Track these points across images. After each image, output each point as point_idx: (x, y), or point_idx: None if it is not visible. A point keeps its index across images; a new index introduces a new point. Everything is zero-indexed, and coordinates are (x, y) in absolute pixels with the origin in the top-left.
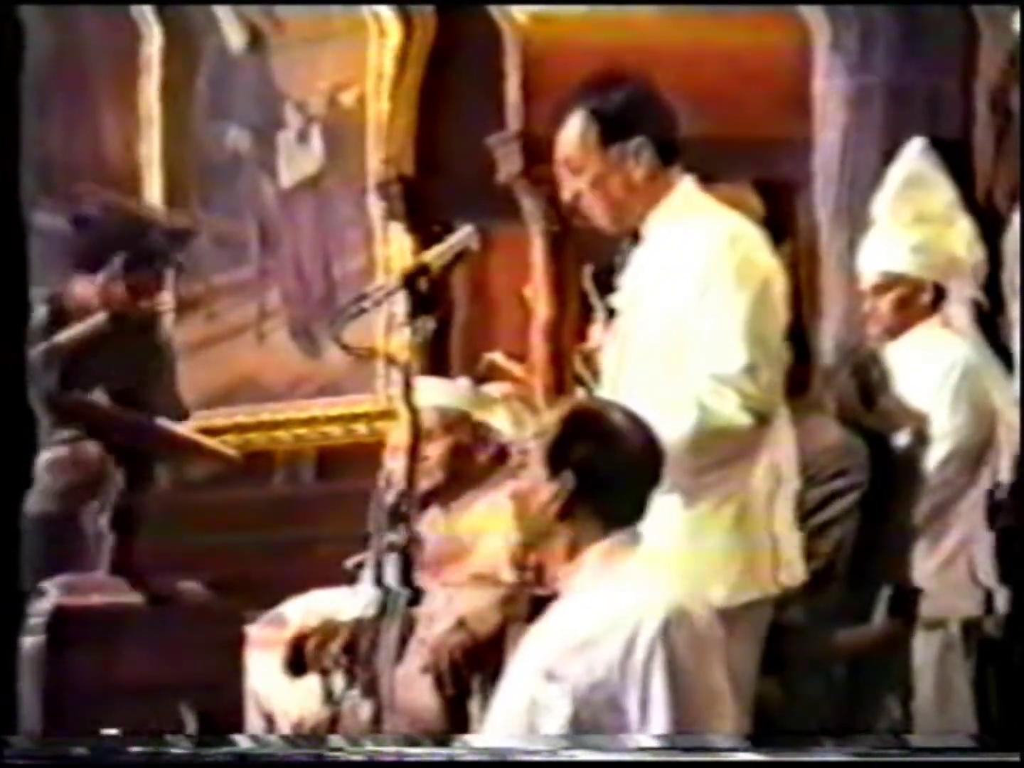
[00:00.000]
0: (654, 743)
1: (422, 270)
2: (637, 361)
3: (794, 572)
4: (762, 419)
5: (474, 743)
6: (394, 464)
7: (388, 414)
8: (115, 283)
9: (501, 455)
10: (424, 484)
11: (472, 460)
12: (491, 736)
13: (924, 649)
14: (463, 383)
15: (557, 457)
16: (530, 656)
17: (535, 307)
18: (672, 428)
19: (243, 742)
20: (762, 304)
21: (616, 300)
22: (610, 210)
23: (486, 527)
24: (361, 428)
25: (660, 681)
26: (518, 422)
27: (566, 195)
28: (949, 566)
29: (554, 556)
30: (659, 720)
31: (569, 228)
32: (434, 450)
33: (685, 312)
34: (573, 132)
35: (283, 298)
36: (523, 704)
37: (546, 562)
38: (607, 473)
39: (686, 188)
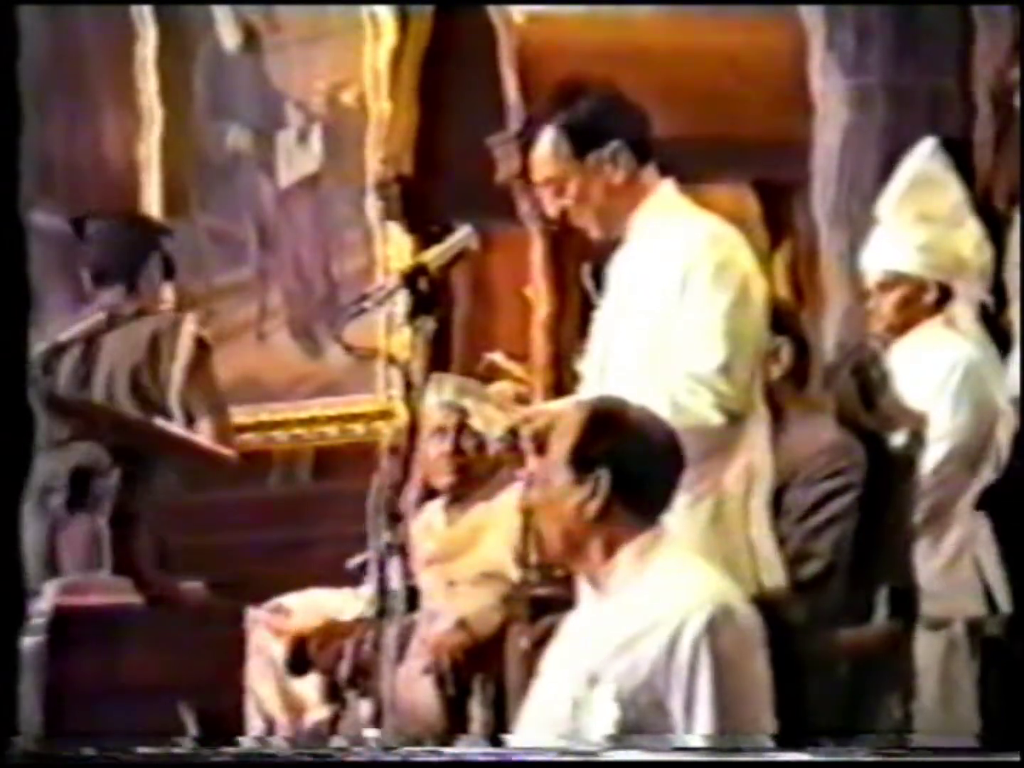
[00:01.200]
0: (685, 743)
1: (422, 270)
2: (619, 360)
3: (775, 574)
4: (735, 418)
5: (512, 743)
6: (393, 464)
7: (388, 414)
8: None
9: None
10: (435, 481)
11: (482, 458)
12: (529, 737)
13: (928, 649)
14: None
15: (582, 458)
16: (569, 657)
17: (535, 307)
18: None
19: (244, 742)
20: (740, 305)
21: (604, 301)
22: (597, 218)
23: (492, 526)
24: (360, 428)
25: (706, 681)
26: (489, 423)
27: (552, 212)
28: (954, 566)
29: (588, 559)
30: (704, 720)
31: (568, 227)
32: (441, 447)
33: (665, 312)
34: (546, 151)
35: (283, 298)
36: (564, 706)
37: (578, 565)
38: (637, 467)
39: (666, 190)
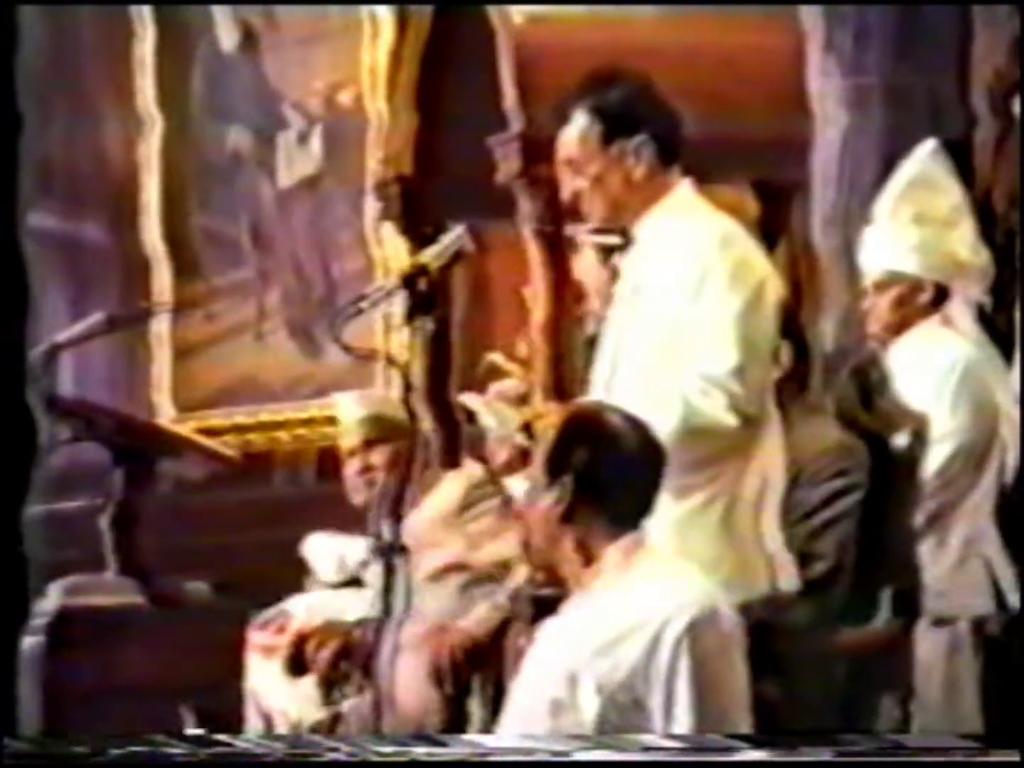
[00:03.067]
0: (659, 743)
1: (420, 271)
2: (631, 361)
3: (790, 577)
4: (748, 421)
5: (489, 743)
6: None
7: None
8: None
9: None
10: (352, 499)
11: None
12: (508, 736)
13: (932, 647)
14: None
15: (556, 463)
16: (550, 657)
17: (534, 307)
18: (657, 425)
19: (243, 743)
20: (755, 307)
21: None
22: (608, 208)
23: (492, 528)
24: None
25: (685, 682)
26: (503, 421)
27: (565, 194)
28: (963, 565)
29: (566, 560)
30: (683, 721)
31: (567, 229)
32: (378, 458)
33: (679, 312)
34: (575, 130)
35: (282, 298)
36: (544, 705)
37: (560, 566)
38: (606, 474)
39: (684, 190)
